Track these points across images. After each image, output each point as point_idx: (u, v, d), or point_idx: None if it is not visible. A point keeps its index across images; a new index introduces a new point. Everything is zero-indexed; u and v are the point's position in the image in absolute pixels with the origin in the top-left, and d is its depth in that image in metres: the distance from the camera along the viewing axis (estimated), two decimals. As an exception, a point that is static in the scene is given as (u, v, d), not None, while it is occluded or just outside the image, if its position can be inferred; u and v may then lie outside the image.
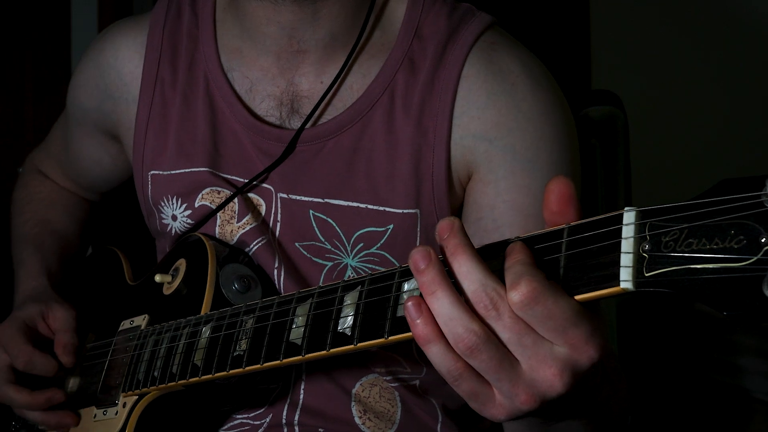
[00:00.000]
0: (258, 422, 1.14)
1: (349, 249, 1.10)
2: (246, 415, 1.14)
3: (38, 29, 2.45)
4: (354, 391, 1.13)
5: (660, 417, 2.42)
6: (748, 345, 2.54)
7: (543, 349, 0.65)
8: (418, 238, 1.09)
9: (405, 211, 1.08)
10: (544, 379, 0.65)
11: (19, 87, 2.43)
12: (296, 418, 1.13)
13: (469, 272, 0.66)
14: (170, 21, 1.19)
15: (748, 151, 2.93)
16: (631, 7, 3.14)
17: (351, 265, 1.11)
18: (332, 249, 1.10)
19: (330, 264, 1.11)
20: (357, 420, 1.13)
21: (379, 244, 1.09)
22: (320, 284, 1.09)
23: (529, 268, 0.64)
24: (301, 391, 1.13)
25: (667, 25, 3.13)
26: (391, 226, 1.08)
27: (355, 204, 1.09)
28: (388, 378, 1.14)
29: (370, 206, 1.08)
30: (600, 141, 1.51)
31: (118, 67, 1.21)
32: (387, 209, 1.08)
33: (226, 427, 1.15)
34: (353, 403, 1.13)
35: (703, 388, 2.52)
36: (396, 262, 1.09)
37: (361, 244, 1.09)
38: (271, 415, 1.13)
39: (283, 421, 1.13)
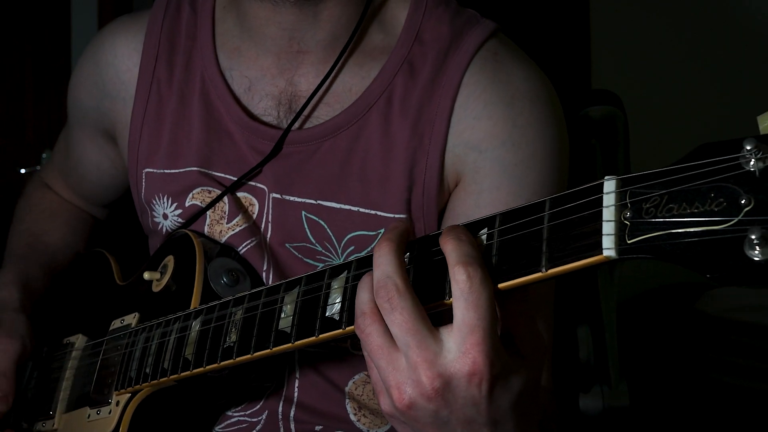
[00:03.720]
0: (255, 419, 1.14)
1: (339, 251, 1.10)
2: (242, 413, 1.15)
3: (38, 29, 2.45)
4: (347, 389, 1.14)
5: (660, 417, 2.42)
6: (748, 345, 2.54)
7: (426, 351, 0.67)
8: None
9: (396, 215, 1.07)
10: (415, 380, 0.68)
11: (19, 87, 2.42)
12: (292, 414, 1.13)
13: (380, 263, 0.70)
14: (168, 19, 1.19)
15: (749, 151, 2.93)
16: (631, 7, 3.14)
17: None
18: (323, 251, 1.10)
19: (320, 266, 1.11)
20: (352, 417, 1.13)
21: (369, 248, 1.08)
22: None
23: (471, 255, 0.68)
24: (296, 389, 1.13)
25: (667, 25, 3.13)
26: (383, 231, 1.08)
27: (347, 207, 1.08)
28: None
29: (362, 210, 1.08)
30: (600, 141, 1.51)
31: (116, 65, 1.20)
32: (379, 213, 1.08)
33: (222, 425, 1.15)
34: (347, 401, 1.13)
35: (703, 388, 2.52)
36: None
37: (352, 248, 1.09)
38: (266, 412, 1.14)
39: (279, 417, 1.13)
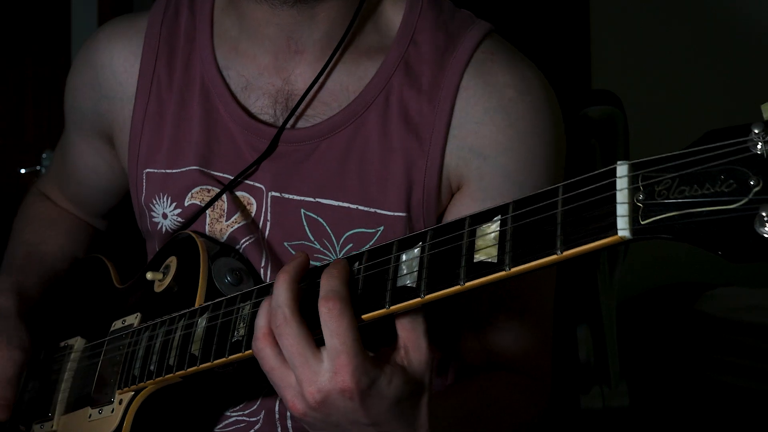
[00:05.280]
0: (253, 419, 1.14)
1: (338, 249, 1.10)
2: (240, 413, 1.15)
3: (38, 29, 2.45)
4: None
5: (660, 417, 2.42)
6: (748, 345, 2.54)
7: (309, 371, 0.79)
8: None
9: (395, 214, 1.08)
10: (301, 393, 0.80)
11: (19, 87, 2.42)
12: (289, 413, 1.14)
13: (276, 294, 0.82)
14: (168, 21, 1.19)
15: (749, 151, 2.92)
16: (631, 7, 3.14)
17: None
18: (321, 249, 1.10)
19: (318, 264, 1.11)
20: None
21: (367, 246, 1.09)
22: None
23: (340, 287, 0.80)
24: None
25: (667, 25, 3.13)
26: (382, 228, 1.09)
27: (345, 204, 1.09)
28: None
29: (360, 207, 1.09)
30: (600, 141, 1.51)
31: (114, 67, 1.20)
32: (378, 211, 1.08)
33: (221, 425, 1.15)
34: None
35: (703, 388, 2.52)
36: None
37: (350, 245, 1.10)
38: (264, 411, 1.14)
39: (276, 416, 1.14)
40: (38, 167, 2.21)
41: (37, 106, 2.43)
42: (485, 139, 1.06)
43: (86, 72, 1.24)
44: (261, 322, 0.83)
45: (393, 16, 1.13)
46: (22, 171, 2.24)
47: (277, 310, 0.81)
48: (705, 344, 2.61)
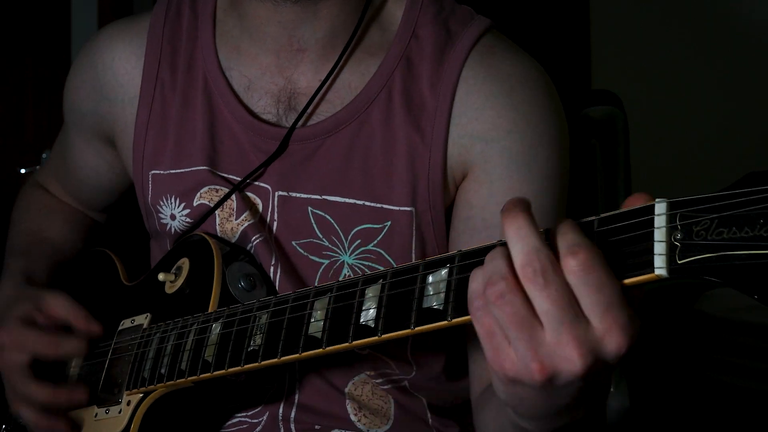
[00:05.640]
0: (256, 420, 1.14)
1: (346, 246, 1.10)
2: (244, 414, 1.15)
3: (38, 29, 2.45)
4: (347, 390, 1.14)
5: (660, 417, 2.42)
6: (748, 345, 2.54)
7: (577, 329, 0.65)
8: (414, 236, 1.09)
9: (402, 208, 1.09)
10: (565, 357, 0.65)
11: (19, 87, 2.43)
12: (292, 415, 1.14)
13: (524, 235, 0.66)
14: (170, 22, 1.19)
15: (749, 150, 2.93)
16: (631, 7, 3.15)
17: (348, 263, 1.11)
18: (330, 246, 1.11)
19: (326, 262, 1.11)
20: (352, 417, 1.14)
21: (375, 241, 1.10)
22: (317, 283, 1.11)
23: (585, 238, 0.66)
24: (296, 391, 1.14)
25: (667, 25, 3.13)
26: (389, 223, 1.09)
27: (352, 200, 1.09)
28: (378, 381, 1.15)
29: (367, 203, 1.09)
30: (600, 141, 1.51)
31: (115, 68, 1.20)
32: (384, 206, 1.09)
33: (224, 425, 1.15)
34: (348, 401, 1.14)
35: (703, 388, 2.52)
36: (391, 260, 1.10)
37: (359, 241, 1.10)
38: (267, 413, 1.14)
39: (280, 418, 1.14)
40: (38, 167, 2.21)
41: (37, 106, 2.43)
42: (487, 124, 1.07)
43: (87, 72, 1.24)
44: (501, 264, 0.67)
45: (394, 12, 1.13)
46: (22, 171, 2.24)
47: (536, 255, 0.65)
48: (705, 344, 2.61)
